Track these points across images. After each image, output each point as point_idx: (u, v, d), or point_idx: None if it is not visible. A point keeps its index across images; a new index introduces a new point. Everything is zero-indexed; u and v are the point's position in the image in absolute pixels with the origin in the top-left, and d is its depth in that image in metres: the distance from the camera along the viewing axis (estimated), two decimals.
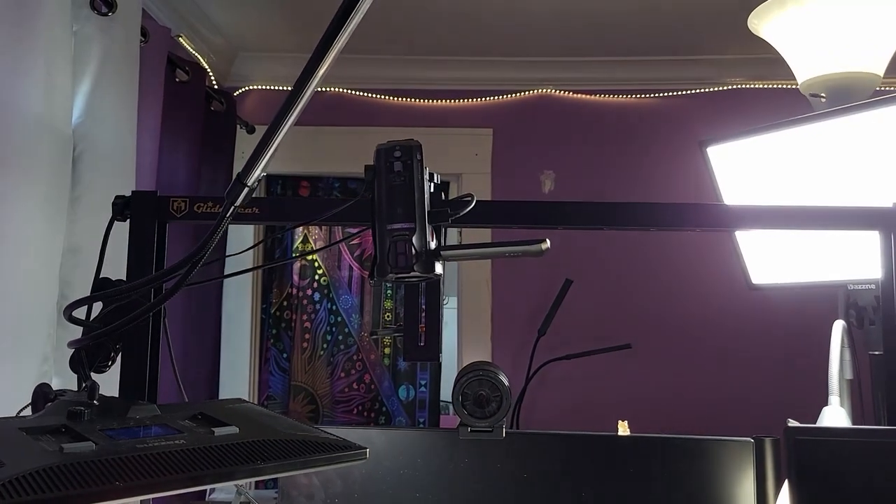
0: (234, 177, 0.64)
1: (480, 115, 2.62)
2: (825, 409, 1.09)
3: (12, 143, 1.31)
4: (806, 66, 1.42)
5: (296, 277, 2.67)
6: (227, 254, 1.98)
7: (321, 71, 0.57)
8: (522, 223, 0.87)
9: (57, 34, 1.43)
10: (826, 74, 1.37)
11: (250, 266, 2.44)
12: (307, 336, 2.65)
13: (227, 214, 0.60)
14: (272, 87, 2.61)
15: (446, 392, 2.63)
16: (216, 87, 2.40)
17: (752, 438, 1.07)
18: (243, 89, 2.60)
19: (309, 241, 2.70)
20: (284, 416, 0.78)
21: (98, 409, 0.71)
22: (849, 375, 1.20)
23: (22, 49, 1.33)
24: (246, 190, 0.61)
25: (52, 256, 1.43)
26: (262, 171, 0.61)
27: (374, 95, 2.62)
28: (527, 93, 2.62)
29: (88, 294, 0.78)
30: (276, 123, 0.57)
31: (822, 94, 1.37)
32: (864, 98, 1.33)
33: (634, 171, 2.53)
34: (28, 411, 0.76)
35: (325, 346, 2.66)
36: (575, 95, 2.62)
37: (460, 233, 2.34)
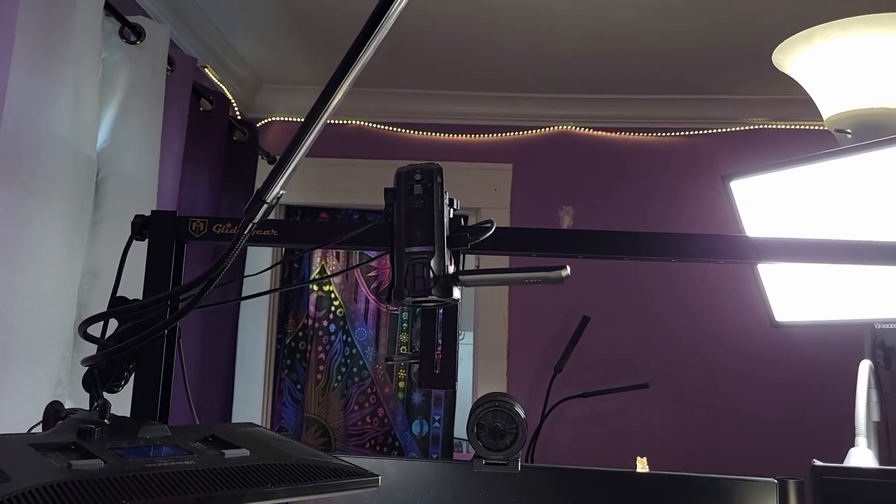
0: None
1: (501, 151, 2.63)
2: (852, 450, 1.05)
3: (38, 164, 1.33)
4: (831, 102, 1.41)
5: (312, 308, 2.66)
6: (244, 281, 1.98)
7: (353, 72, 0.56)
8: (542, 251, 0.85)
9: (86, 61, 1.46)
10: (852, 110, 1.36)
11: (267, 294, 2.45)
12: (321, 367, 2.64)
13: (246, 231, 0.60)
14: (295, 119, 2.64)
15: (460, 429, 2.60)
16: (239, 117, 2.43)
17: (776, 480, 1.04)
18: (266, 120, 2.63)
19: (326, 272, 2.70)
20: (296, 442, 0.77)
21: (109, 428, 0.70)
22: (876, 417, 1.16)
23: (51, 74, 1.35)
24: (265, 207, 0.60)
25: (71, 279, 1.43)
26: (282, 188, 0.61)
27: (394, 129, 2.64)
28: (547, 129, 2.63)
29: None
30: (300, 136, 0.57)
31: (848, 130, 1.36)
32: (890, 134, 1.31)
33: (654, 210, 2.52)
34: (39, 429, 0.76)
35: (339, 378, 2.64)
36: (595, 133, 2.62)
37: (478, 261, 2.33)
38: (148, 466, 0.61)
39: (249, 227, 0.60)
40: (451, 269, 0.74)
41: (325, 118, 0.57)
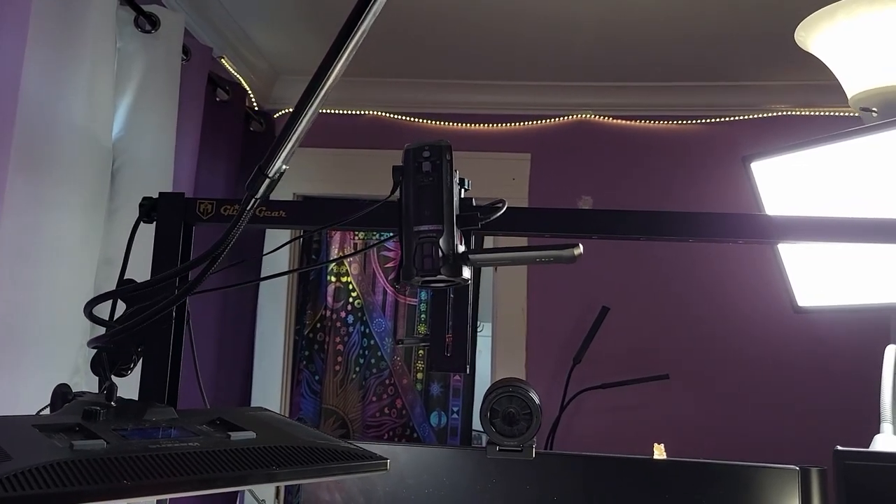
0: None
1: (518, 140, 2.61)
2: (877, 436, 1.02)
3: (54, 154, 1.33)
4: (856, 80, 1.37)
5: (330, 300, 2.66)
6: (262, 268, 1.98)
7: (352, 42, 0.54)
8: (557, 231, 0.84)
9: (101, 50, 1.45)
10: (877, 87, 1.32)
11: (285, 283, 2.46)
12: (339, 359, 2.63)
13: (249, 206, 0.59)
14: None
15: (479, 421, 2.58)
16: (256, 108, 2.42)
17: (798, 467, 1.01)
18: (283, 111, 2.62)
19: (343, 264, 2.70)
20: (305, 426, 0.76)
21: (115, 410, 0.70)
22: None
23: (67, 64, 1.35)
24: (267, 181, 0.59)
25: (87, 267, 1.43)
26: (284, 162, 0.59)
27: (411, 119, 2.62)
28: (565, 118, 2.60)
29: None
30: (301, 107, 0.55)
31: (874, 109, 1.32)
32: None
33: (674, 198, 2.48)
34: (48, 412, 0.76)
35: (357, 369, 2.63)
36: (614, 121, 2.59)
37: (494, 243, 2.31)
38: (151, 447, 0.61)
39: (252, 201, 0.59)
40: (461, 248, 0.72)
41: (329, 85, 0.55)
